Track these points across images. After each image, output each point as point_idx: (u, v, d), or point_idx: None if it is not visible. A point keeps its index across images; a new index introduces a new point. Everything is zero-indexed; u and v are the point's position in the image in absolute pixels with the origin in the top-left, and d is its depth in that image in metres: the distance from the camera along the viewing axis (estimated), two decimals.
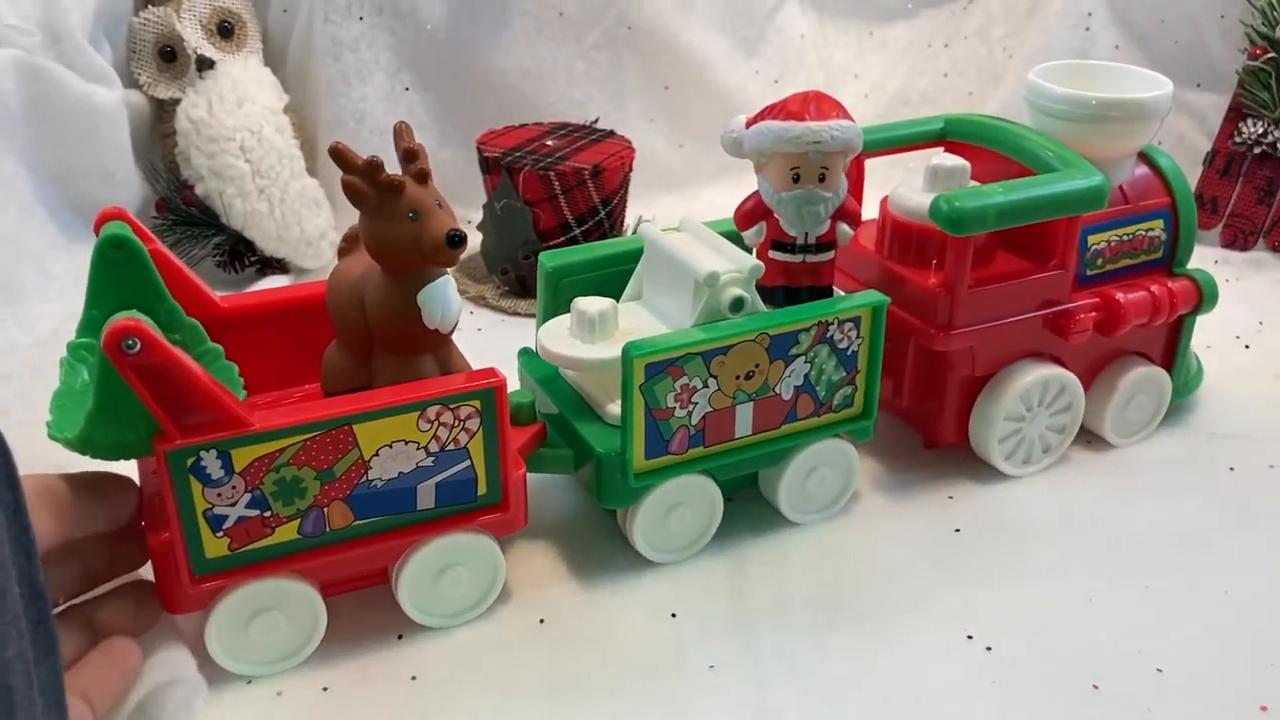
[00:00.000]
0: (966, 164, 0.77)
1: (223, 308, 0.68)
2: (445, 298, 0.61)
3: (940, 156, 0.78)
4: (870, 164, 0.83)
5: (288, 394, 0.71)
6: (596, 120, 1.15)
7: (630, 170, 1.08)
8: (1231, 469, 0.81)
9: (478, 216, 1.08)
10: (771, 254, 0.71)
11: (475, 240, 1.09)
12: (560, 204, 1.02)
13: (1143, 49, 1.24)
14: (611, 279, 0.76)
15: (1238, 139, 1.17)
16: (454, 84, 1.23)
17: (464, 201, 1.09)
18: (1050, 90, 0.78)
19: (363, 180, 0.59)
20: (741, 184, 1.08)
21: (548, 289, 0.75)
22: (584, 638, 0.66)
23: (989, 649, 0.65)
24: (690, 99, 1.31)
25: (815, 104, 0.68)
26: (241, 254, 1.08)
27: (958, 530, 0.75)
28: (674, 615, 0.68)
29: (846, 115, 0.68)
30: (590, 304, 0.70)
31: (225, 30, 1.11)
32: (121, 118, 1.03)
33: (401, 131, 0.62)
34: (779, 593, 0.69)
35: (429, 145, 1.09)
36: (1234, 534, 0.74)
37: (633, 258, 0.76)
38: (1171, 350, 0.84)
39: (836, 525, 0.76)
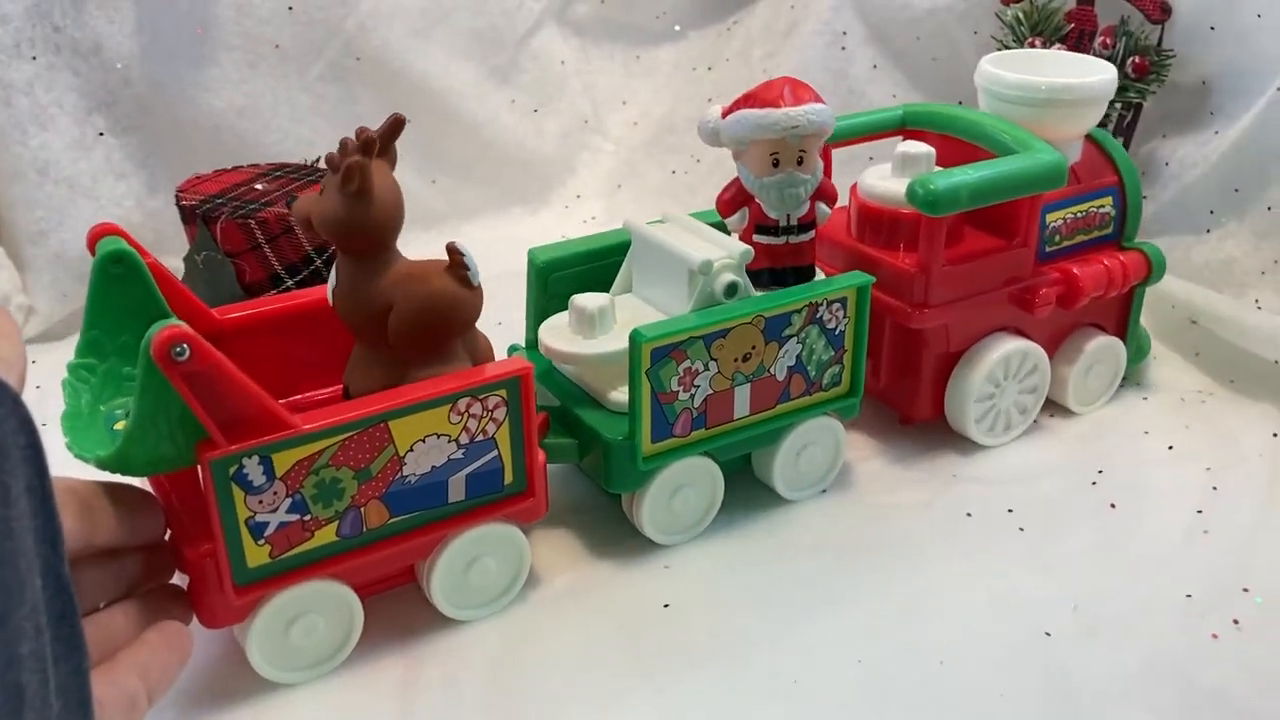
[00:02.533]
0: (932, 150, 0.80)
1: (218, 320, 0.68)
2: None
3: (907, 144, 0.81)
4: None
5: (293, 403, 0.71)
6: (317, 160, 1.06)
7: None
8: (969, 514, 0.78)
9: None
10: (755, 238, 0.74)
11: None
12: (266, 254, 0.91)
13: (901, 66, 1.19)
14: (600, 272, 0.78)
15: None
16: (158, 127, 1.12)
17: (180, 253, 0.96)
18: (1004, 77, 0.82)
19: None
20: (506, 220, 1.09)
21: (538, 283, 0.77)
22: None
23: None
24: (438, 132, 1.23)
25: (789, 90, 0.71)
26: None
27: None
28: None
29: (819, 99, 0.71)
30: (588, 300, 0.72)
31: None
32: None
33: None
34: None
35: (135, 194, 1.09)
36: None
37: (620, 250, 0.78)
38: (1124, 320, 0.89)
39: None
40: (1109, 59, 1.03)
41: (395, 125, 0.61)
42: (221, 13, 1.12)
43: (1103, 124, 1.01)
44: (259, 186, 0.96)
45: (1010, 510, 0.77)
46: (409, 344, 0.61)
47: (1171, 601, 0.69)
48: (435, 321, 0.62)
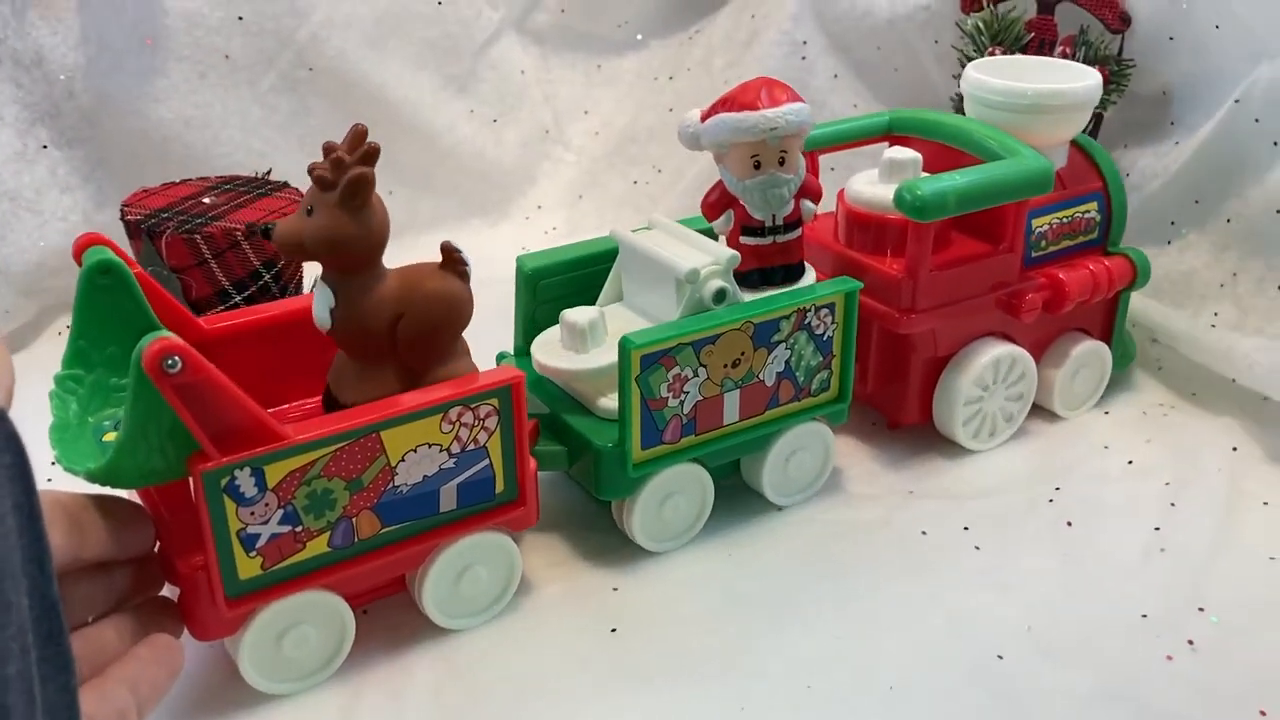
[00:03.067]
0: (919, 156, 0.81)
1: (205, 329, 0.67)
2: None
3: (894, 150, 0.81)
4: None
5: (280, 413, 0.70)
6: (269, 172, 1.03)
7: None
8: (924, 533, 0.77)
9: None
10: (742, 239, 0.74)
11: None
12: (213, 269, 0.89)
13: (862, 77, 1.18)
14: (588, 279, 0.78)
15: None
16: (104, 139, 1.09)
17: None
18: (990, 83, 0.83)
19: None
20: (465, 231, 1.11)
21: (526, 289, 0.77)
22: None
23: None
24: (394, 143, 1.16)
25: (766, 92, 0.71)
26: None
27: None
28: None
29: (797, 98, 0.71)
30: (579, 315, 0.72)
31: None
32: None
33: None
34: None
35: (80, 208, 1.06)
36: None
37: (608, 258, 0.78)
38: (1109, 325, 0.89)
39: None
40: None
41: (362, 135, 0.59)
42: (171, 23, 1.10)
43: None
44: (206, 200, 0.94)
45: (966, 528, 0.76)
46: (424, 349, 0.62)
47: (1127, 622, 0.68)
48: (447, 322, 0.62)
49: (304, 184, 1.01)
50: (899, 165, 0.80)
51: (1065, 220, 0.84)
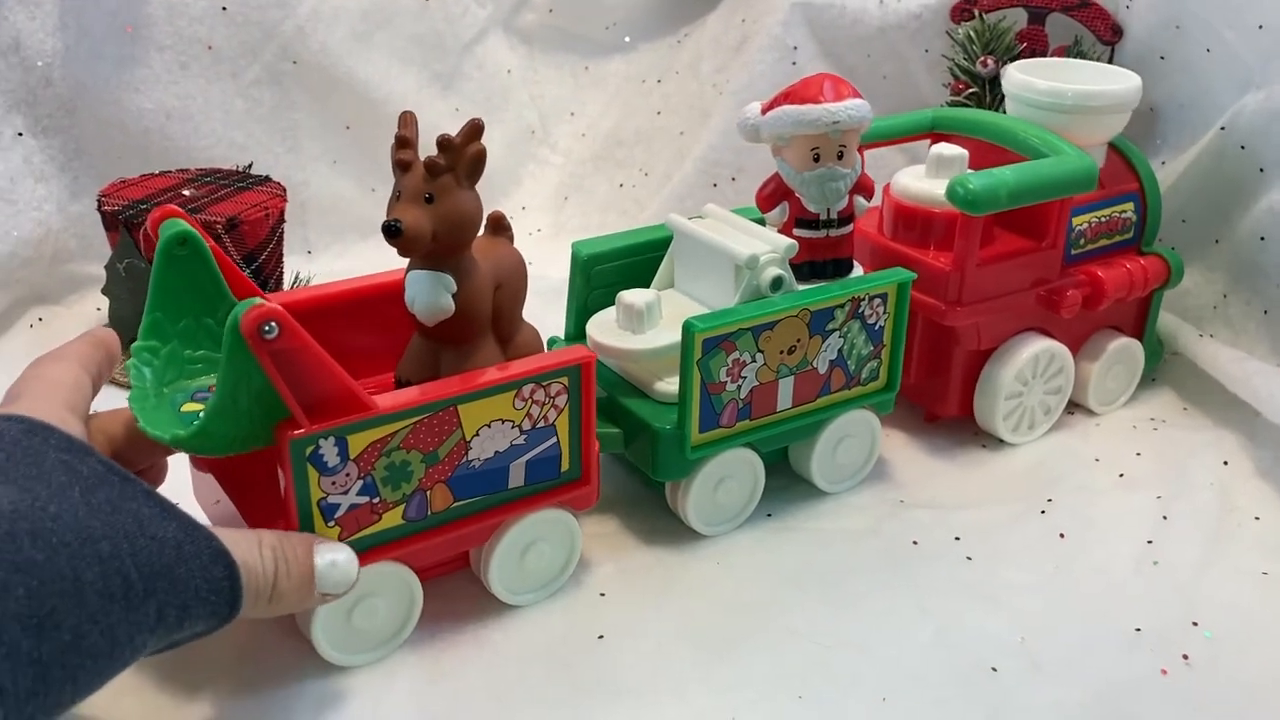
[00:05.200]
0: (965, 152, 0.82)
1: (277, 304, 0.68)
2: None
3: (941, 145, 0.83)
4: None
5: None
6: (250, 165, 1.04)
7: (280, 221, 0.97)
8: (915, 542, 0.76)
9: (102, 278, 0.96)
10: (796, 231, 0.75)
11: (105, 306, 0.99)
12: None
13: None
14: (641, 266, 0.79)
15: None
16: (82, 128, 1.07)
17: (100, 259, 0.96)
18: (1033, 83, 0.84)
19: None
20: None
21: (580, 275, 0.77)
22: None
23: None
24: (378, 139, 1.15)
25: (829, 86, 0.72)
26: None
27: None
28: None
29: (858, 94, 0.73)
30: (636, 296, 0.73)
31: None
32: None
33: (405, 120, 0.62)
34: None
35: (55, 198, 1.04)
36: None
37: (661, 245, 0.79)
38: (1142, 323, 0.91)
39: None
40: None
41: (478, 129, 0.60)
42: (152, 11, 1.08)
43: None
44: (186, 192, 0.94)
45: (957, 538, 0.76)
46: (516, 314, 0.64)
47: (1120, 635, 0.67)
48: (526, 284, 0.65)
49: (286, 178, 1.04)
50: (946, 161, 0.82)
51: (1103, 219, 0.86)
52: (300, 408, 0.54)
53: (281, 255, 0.98)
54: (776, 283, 0.72)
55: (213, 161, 1.09)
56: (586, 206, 1.26)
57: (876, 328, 0.76)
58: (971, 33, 1.08)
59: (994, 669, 0.64)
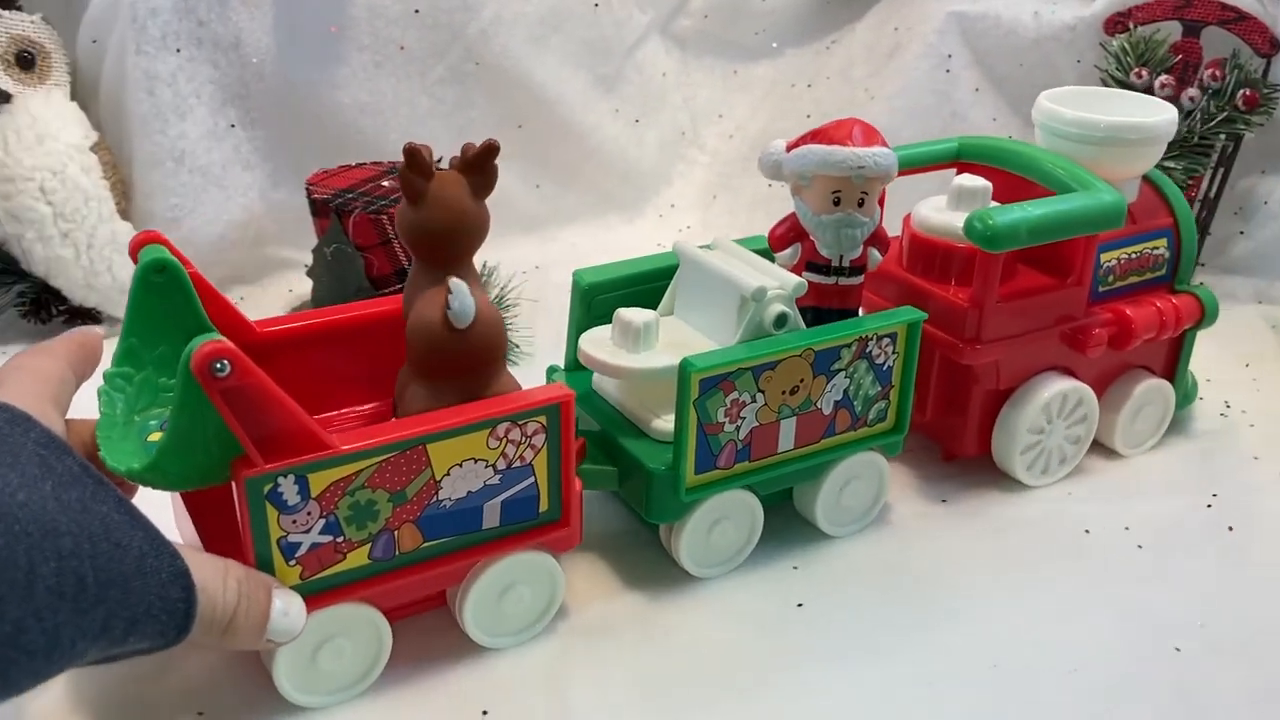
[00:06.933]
0: (989, 184, 0.79)
1: (258, 332, 0.66)
2: None
3: (964, 177, 0.79)
4: None
5: (333, 419, 0.69)
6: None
7: None
8: (1087, 531, 0.79)
9: (309, 261, 1.00)
10: (805, 274, 0.72)
11: (305, 287, 1.03)
12: (395, 249, 0.94)
13: (1002, 92, 1.21)
14: (644, 295, 0.76)
15: None
16: (286, 121, 1.15)
17: (298, 245, 1.04)
18: (1062, 114, 0.80)
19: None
20: (602, 227, 1.13)
21: (581, 304, 0.75)
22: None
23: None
24: (545, 138, 1.25)
25: (859, 131, 0.69)
26: (48, 303, 1.02)
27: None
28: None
29: (886, 144, 0.70)
30: (634, 314, 0.70)
31: (25, 61, 1.02)
32: None
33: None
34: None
35: (259, 185, 1.12)
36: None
37: (666, 274, 0.76)
38: (1173, 363, 0.87)
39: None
40: (1217, 91, 1.04)
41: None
42: (355, 13, 1.15)
43: (1205, 155, 1.01)
44: (386, 184, 0.97)
45: (1127, 528, 0.78)
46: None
47: None
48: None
49: None
50: (968, 193, 0.78)
51: (1134, 255, 0.82)
52: (255, 446, 0.53)
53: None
54: (780, 320, 0.69)
55: (398, 156, 1.12)
56: (734, 205, 1.30)
57: (885, 368, 0.72)
58: (1126, 45, 1.08)
59: (1177, 649, 0.67)
